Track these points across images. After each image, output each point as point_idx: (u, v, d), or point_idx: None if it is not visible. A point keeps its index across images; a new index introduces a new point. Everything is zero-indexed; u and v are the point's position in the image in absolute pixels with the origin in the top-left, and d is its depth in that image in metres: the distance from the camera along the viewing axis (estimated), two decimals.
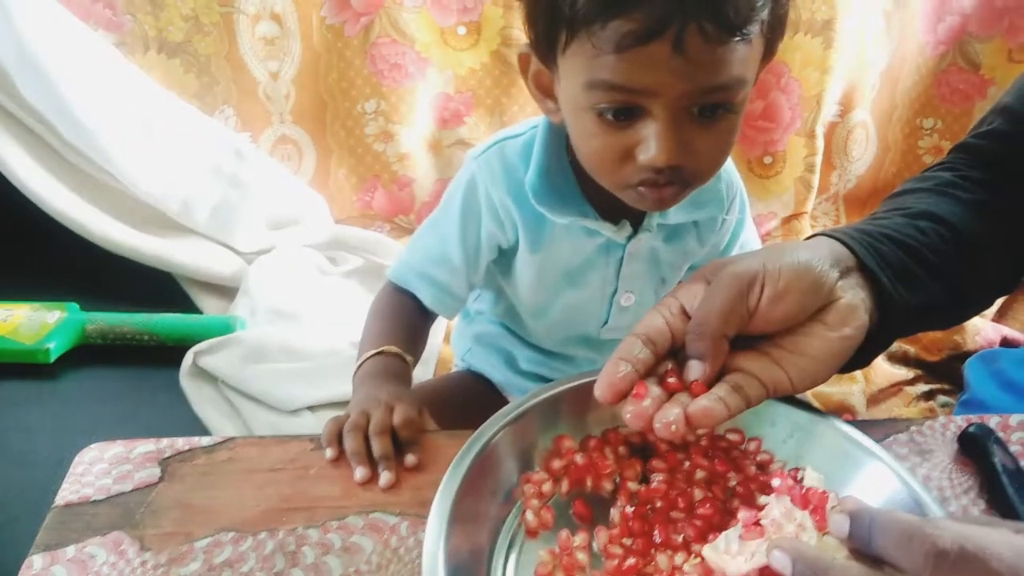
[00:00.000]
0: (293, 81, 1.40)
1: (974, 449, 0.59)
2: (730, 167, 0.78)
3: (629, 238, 0.74)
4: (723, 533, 0.45)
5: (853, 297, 0.53)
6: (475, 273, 0.78)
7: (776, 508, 0.44)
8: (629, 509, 0.54)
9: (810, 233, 1.60)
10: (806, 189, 1.62)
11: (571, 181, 0.71)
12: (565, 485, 0.57)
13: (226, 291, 1.31)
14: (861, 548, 0.40)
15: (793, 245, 0.55)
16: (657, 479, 0.56)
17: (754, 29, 0.55)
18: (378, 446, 0.59)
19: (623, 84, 0.56)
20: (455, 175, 0.76)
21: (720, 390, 0.49)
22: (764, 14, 0.56)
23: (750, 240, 0.88)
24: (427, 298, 0.78)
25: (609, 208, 0.72)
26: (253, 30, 1.35)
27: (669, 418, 0.47)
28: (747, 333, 0.51)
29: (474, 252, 0.76)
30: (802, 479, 0.47)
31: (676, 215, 0.74)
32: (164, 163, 1.27)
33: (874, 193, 1.73)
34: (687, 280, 0.54)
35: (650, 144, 0.57)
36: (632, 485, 0.57)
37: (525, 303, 0.82)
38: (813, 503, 0.43)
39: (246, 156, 1.36)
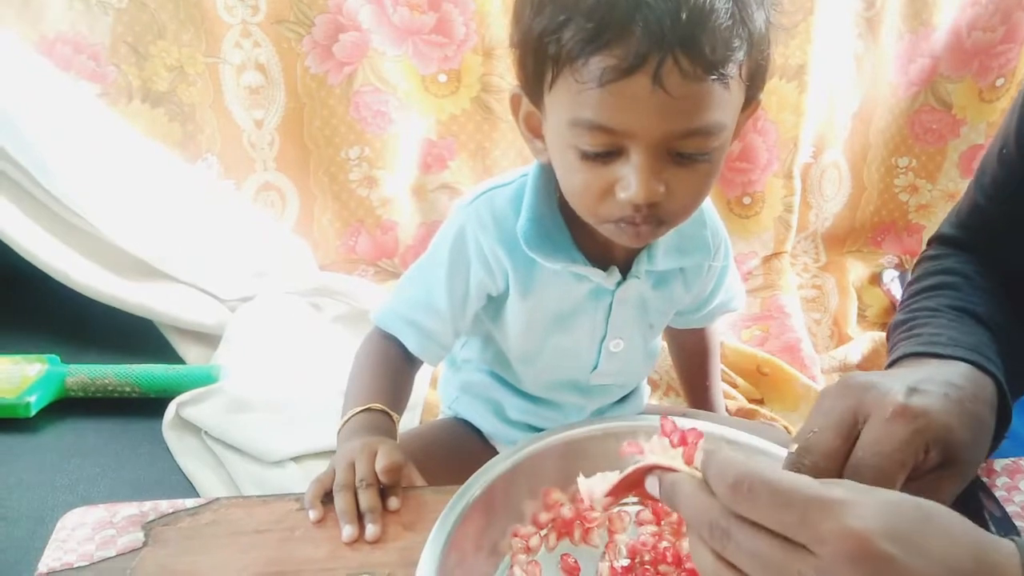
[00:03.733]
0: (277, 129, 1.41)
1: (961, 496, 0.59)
2: (714, 215, 0.79)
3: (618, 284, 0.74)
4: (601, 473, 0.47)
5: None
6: (461, 321, 0.78)
7: (657, 446, 0.45)
8: (617, 563, 0.54)
9: (790, 272, 1.62)
10: (785, 228, 1.64)
11: (562, 228, 0.71)
12: (553, 539, 0.57)
13: (209, 339, 1.30)
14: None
15: (972, 400, 0.52)
16: (645, 532, 0.56)
17: (731, 70, 0.56)
18: (365, 499, 0.58)
19: (605, 124, 0.57)
20: (440, 219, 0.77)
21: None
22: (740, 55, 0.57)
23: (732, 285, 0.89)
24: (412, 344, 0.77)
25: (598, 255, 0.73)
26: (238, 80, 1.37)
27: None
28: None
29: (461, 301, 0.76)
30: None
31: (664, 262, 0.75)
32: (145, 212, 1.26)
33: (852, 231, 1.76)
34: (832, 396, 0.50)
35: (630, 182, 0.59)
36: (620, 538, 0.57)
37: (515, 348, 0.82)
38: (690, 440, 0.44)
39: (229, 204, 1.37)
